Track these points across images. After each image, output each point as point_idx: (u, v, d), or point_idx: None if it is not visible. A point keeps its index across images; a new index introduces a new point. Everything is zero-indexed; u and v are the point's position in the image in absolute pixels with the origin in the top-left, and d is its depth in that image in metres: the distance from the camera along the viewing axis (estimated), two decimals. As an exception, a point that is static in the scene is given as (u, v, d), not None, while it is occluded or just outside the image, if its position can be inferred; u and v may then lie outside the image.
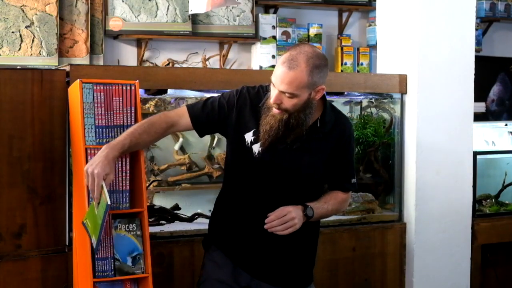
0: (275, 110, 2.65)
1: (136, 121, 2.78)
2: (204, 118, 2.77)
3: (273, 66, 5.89)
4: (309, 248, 2.89)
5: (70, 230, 3.02)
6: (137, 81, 2.81)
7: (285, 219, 2.66)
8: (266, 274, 2.79)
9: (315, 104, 2.69)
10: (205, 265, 2.88)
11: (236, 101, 2.76)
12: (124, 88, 2.77)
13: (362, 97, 4.04)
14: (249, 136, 2.73)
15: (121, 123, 2.76)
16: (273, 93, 2.63)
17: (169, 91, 3.44)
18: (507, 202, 4.44)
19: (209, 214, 3.62)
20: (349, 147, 2.86)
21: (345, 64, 6.24)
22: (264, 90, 2.78)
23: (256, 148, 2.72)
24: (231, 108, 2.76)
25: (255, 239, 2.76)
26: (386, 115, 4.06)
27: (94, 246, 2.59)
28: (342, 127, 2.82)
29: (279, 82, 2.60)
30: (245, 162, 2.75)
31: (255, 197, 2.76)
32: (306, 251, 2.87)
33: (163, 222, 3.47)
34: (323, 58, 2.66)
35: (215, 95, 2.84)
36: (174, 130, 2.87)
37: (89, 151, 2.69)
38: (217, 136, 3.99)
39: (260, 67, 5.90)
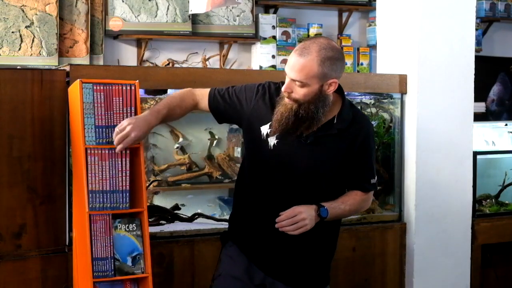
0: (286, 99, 2.65)
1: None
2: (222, 107, 2.81)
3: (273, 66, 5.90)
4: (326, 248, 2.84)
5: (70, 230, 3.02)
6: (137, 81, 2.81)
7: (295, 219, 2.63)
8: (280, 273, 2.76)
9: (329, 99, 2.68)
10: (221, 260, 2.86)
11: (255, 94, 2.78)
12: (124, 88, 2.76)
13: (362, 97, 4.03)
14: (265, 129, 2.73)
15: (121, 123, 2.76)
16: (286, 81, 2.65)
17: (169, 91, 3.43)
18: (507, 202, 4.44)
19: (209, 213, 3.65)
20: (368, 147, 2.79)
21: (345, 64, 6.23)
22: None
23: (272, 140, 2.72)
24: (249, 101, 2.77)
25: (269, 236, 2.73)
26: (386, 115, 4.06)
27: None
28: (359, 125, 2.77)
29: (290, 69, 2.62)
30: (261, 153, 2.74)
31: (269, 192, 2.74)
32: (321, 251, 2.82)
33: (163, 222, 3.47)
34: (338, 51, 2.67)
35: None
36: (197, 109, 2.89)
37: (89, 151, 2.69)
38: (217, 136, 3.99)
39: (260, 67, 5.90)
